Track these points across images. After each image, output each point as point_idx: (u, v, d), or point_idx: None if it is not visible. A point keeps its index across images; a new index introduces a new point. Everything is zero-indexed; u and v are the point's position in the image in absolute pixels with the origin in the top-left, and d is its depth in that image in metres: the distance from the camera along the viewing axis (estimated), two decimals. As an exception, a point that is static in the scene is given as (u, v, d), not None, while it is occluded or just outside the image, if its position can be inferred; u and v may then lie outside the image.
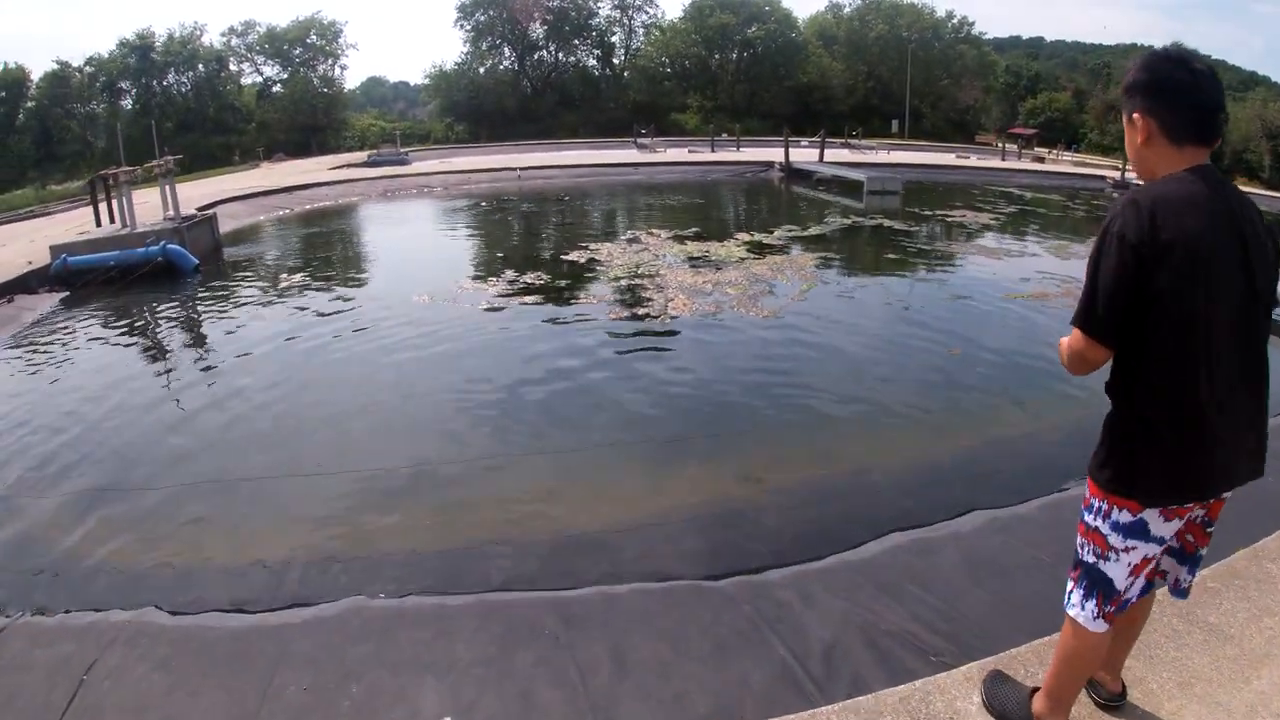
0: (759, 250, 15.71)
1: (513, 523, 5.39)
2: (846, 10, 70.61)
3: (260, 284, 14.14)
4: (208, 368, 9.38)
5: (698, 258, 14.92)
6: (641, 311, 11.04)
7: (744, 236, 17.11)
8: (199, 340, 10.94)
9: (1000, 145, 49.75)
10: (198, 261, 15.39)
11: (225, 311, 12.35)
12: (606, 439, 6.88)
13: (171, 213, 17.45)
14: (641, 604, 4.25)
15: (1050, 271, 14.33)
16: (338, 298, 12.78)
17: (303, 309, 11.99)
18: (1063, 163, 47.18)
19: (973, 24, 69.83)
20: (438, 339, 9.96)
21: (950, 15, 69.00)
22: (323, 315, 11.61)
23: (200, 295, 13.73)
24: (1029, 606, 3.89)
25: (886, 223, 19.74)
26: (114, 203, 17.81)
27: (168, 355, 10.22)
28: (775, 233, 17.70)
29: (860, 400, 7.81)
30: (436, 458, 6.49)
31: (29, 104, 51.60)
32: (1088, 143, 64.72)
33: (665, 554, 4.91)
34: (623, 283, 12.99)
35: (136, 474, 6.28)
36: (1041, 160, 46.80)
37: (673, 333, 10.15)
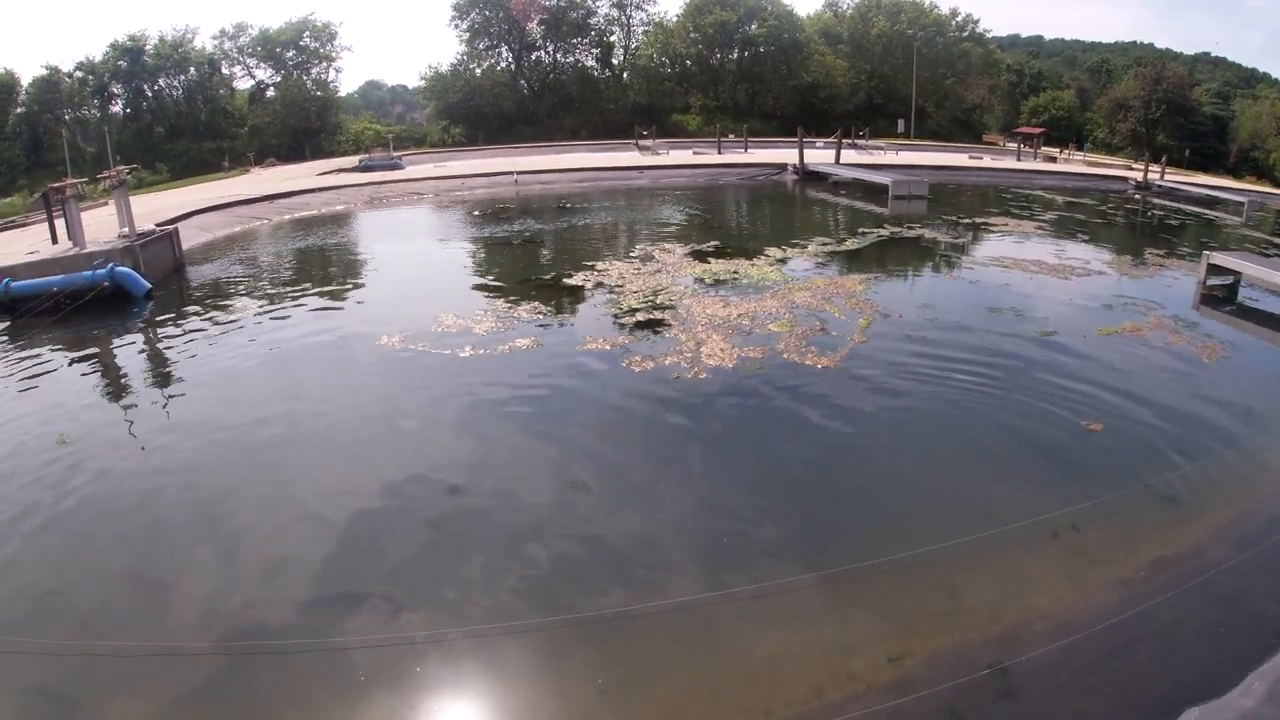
0: (794, 270, 13.81)
1: None
2: (846, 8, 68.79)
3: (215, 315, 12.19)
4: (130, 430, 7.81)
5: (725, 280, 12.97)
6: (669, 360, 8.93)
7: (774, 252, 15.10)
8: (122, 390, 9.13)
9: (1016, 146, 47.89)
10: (150, 286, 13.60)
11: (166, 353, 10.52)
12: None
13: (126, 229, 15.50)
14: None
15: (1129, 295, 12.48)
16: (297, 336, 10.85)
17: (248, 358, 9.93)
18: (1075, 162, 45.41)
19: (977, 21, 67.92)
20: (396, 414, 7.93)
21: (955, 13, 67.09)
22: (274, 361, 9.76)
23: (146, 328, 11.90)
24: None
25: (927, 234, 17.79)
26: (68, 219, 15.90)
27: (85, 409, 8.52)
28: (809, 247, 15.71)
29: (995, 521, 5.88)
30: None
31: (19, 110, 49.64)
32: (1094, 141, 63.00)
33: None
34: (639, 315, 10.91)
35: None
36: (1053, 160, 45.05)
37: (713, 398, 8.01)
